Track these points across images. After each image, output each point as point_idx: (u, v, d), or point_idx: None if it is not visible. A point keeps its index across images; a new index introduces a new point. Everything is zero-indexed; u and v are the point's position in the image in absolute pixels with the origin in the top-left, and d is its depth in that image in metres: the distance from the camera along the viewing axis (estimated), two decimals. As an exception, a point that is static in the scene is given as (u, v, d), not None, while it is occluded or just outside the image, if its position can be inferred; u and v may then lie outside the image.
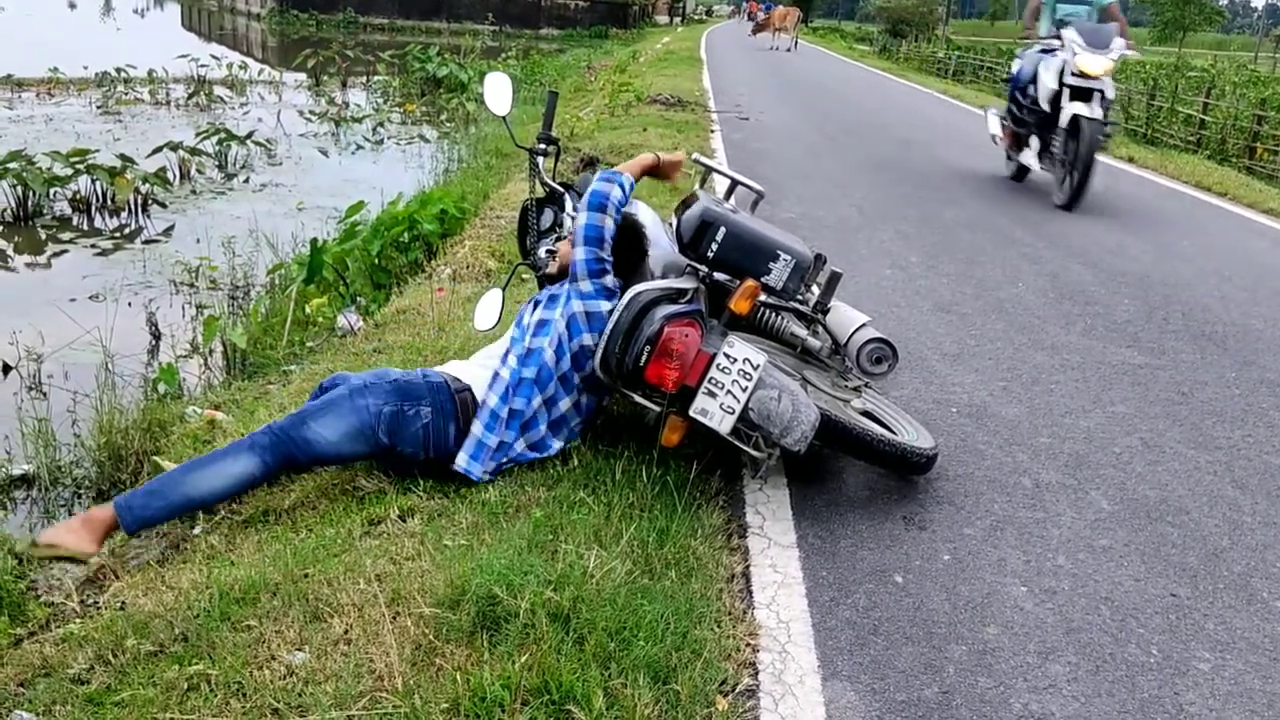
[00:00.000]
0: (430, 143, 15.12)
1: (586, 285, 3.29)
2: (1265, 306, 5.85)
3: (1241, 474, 3.61)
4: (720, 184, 4.08)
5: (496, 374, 3.25)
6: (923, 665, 2.46)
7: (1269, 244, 7.92)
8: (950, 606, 2.72)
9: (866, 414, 3.54)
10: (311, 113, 17.35)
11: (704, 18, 73.34)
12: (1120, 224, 8.07)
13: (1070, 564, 2.96)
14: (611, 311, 3.17)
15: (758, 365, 2.99)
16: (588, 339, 3.24)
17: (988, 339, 4.95)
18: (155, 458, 3.98)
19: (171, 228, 9.28)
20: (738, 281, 3.28)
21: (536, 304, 3.42)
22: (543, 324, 3.31)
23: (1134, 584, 2.87)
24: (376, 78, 23.35)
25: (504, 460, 3.24)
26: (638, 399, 3.18)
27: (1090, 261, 6.66)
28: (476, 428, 3.19)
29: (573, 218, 3.61)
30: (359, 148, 14.65)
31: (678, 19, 68.78)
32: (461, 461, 3.17)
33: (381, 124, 16.38)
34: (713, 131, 12.15)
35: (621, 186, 3.39)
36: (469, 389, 3.23)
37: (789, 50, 34.61)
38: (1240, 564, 3.01)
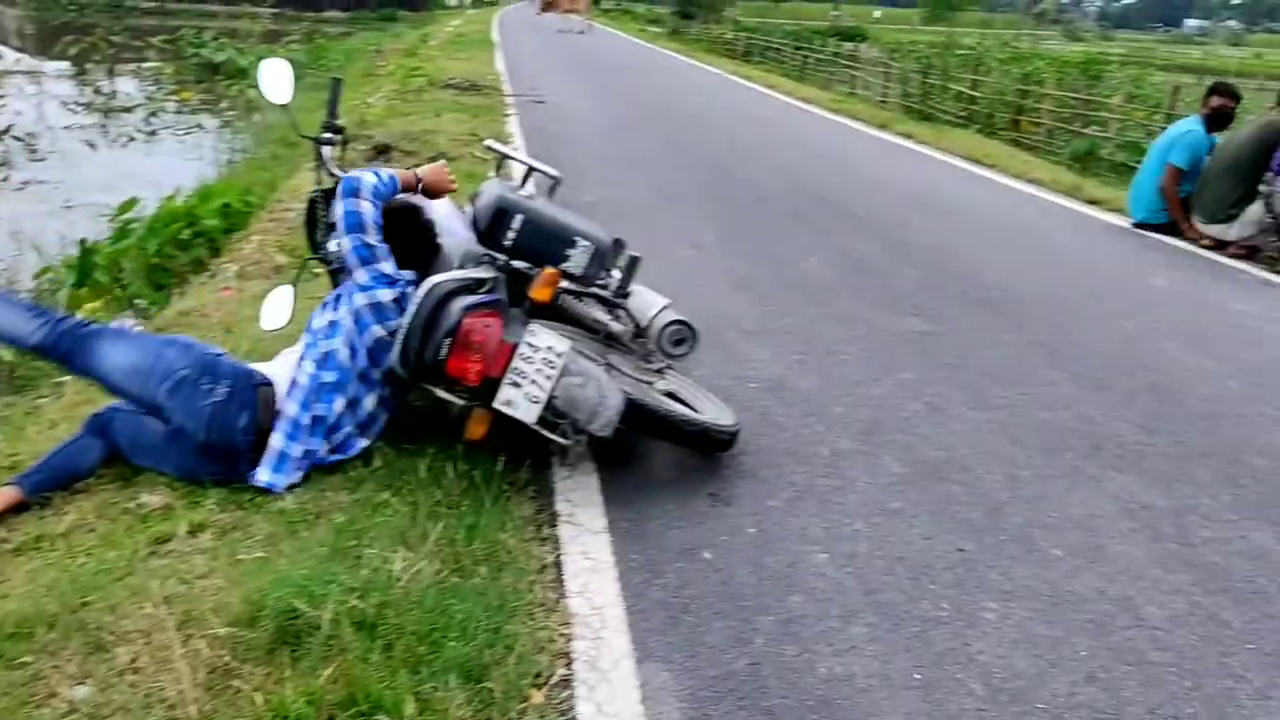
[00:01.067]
0: (210, 132, 14.37)
1: (363, 275, 3.18)
2: (1033, 271, 6.27)
3: (1017, 431, 3.86)
4: (517, 171, 4.04)
5: (294, 381, 3.12)
6: (732, 638, 2.52)
7: (1036, 212, 8.49)
8: (757, 578, 2.79)
9: (670, 395, 3.58)
10: (76, 103, 16.20)
11: (495, 0, 72.53)
12: (902, 197, 8.48)
13: (866, 528, 3.09)
14: (405, 305, 3.08)
15: (561, 353, 2.98)
16: (379, 330, 3.14)
17: (784, 314, 5.10)
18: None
19: (-79, 232, 8.46)
20: (538, 269, 3.25)
21: (325, 306, 3.29)
22: (332, 325, 3.20)
23: (924, 542, 3.02)
24: (147, 64, 22.00)
25: (308, 467, 3.12)
26: (440, 393, 3.11)
27: (876, 234, 6.97)
28: (277, 440, 3.05)
29: None
30: (131, 139, 13.79)
31: (468, 1, 67.76)
32: (264, 477, 3.03)
33: (155, 114, 15.47)
34: (509, 115, 12.03)
35: (376, 174, 3.28)
36: (272, 385, 3.10)
37: (581, 32, 34.69)
38: (1019, 516, 3.21)
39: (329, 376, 3.13)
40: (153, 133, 14.27)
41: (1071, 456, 3.65)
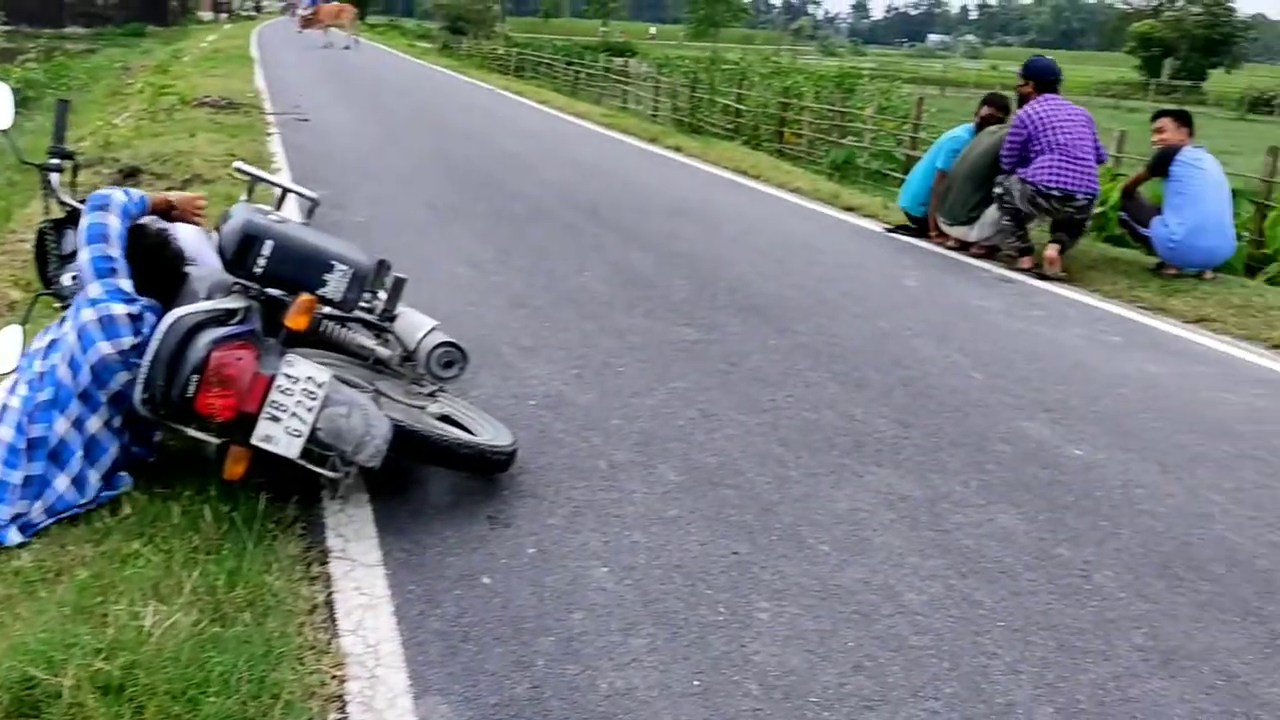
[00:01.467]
0: (-67, 158, 13.10)
1: (96, 289, 2.97)
2: (797, 277, 6.54)
3: (785, 432, 4.00)
4: (274, 194, 3.88)
5: (5, 406, 2.87)
6: (513, 663, 2.48)
7: (799, 219, 8.87)
8: (538, 599, 2.77)
9: (444, 418, 3.51)
10: None
11: (254, 14, 69.64)
12: (673, 209, 8.68)
13: (645, 538, 3.12)
14: (142, 327, 2.89)
15: (322, 383, 2.86)
16: (106, 347, 2.92)
17: (561, 329, 5.11)
18: None
19: None
20: (293, 296, 3.11)
21: (45, 331, 3.06)
22: (52, 343, 2.98)
23: (700, 548, 3.08)
24: None
25: (38, 504, 2.85)
26: (192, 433, 2.93)
27: (648, 246, 7.10)
28: None
29: None
30: None
31: (224, 15, 64.81)
32: None
33: None
34: (270, 135, 11.56)
35: (126, 193, 3.17)
36: None
37: (348, 48, 33.79)
38: (789, 515, 3.33)
39: (45, 395, 2.89)
40: None
41: (836, 454, 3.81)
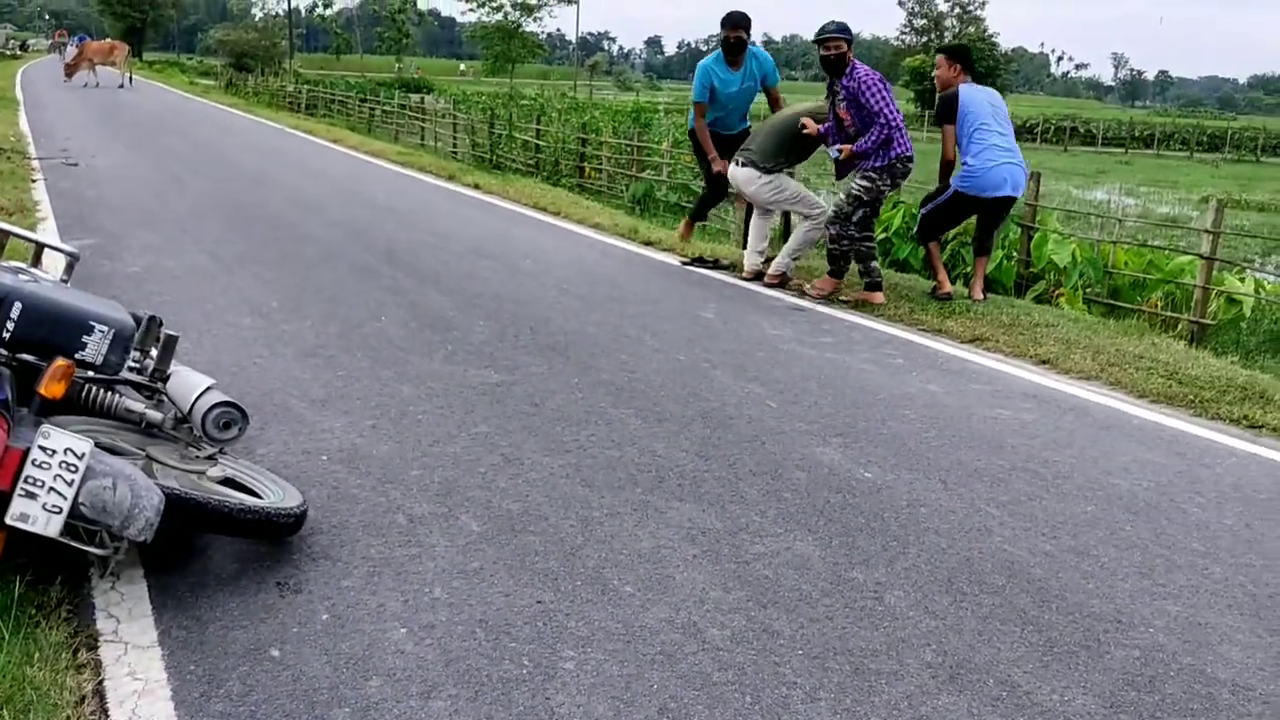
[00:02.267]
0: None
1: None
2: (599, 313, 6.57)
3: (588, 472, 3.98)
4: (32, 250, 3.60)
5: None
6: (306, 741, 2.35)
7: (598, 255, 8.94)
8: (331, 669, 2.64)
9: (227, 481, 3.32)
10: None
11: (19, 53, 65.18)
12: (473, 248, 8.59)
13: (446, 594, 3.02)
14: None
15: (82, 454, 2.65)
16: None
17: (355, 378, 4.94)
18: None
19: None
20: (48, 361, 2.88)
21: None
22: None
23: (504, 600, 3.01)
24: None
25: None
26: (-66, 517, 2.66)
27: (446, 288, 6.99)
28: None
29: None
30: None
31: (-14, 53, 60.44)
32: None
33: None
34: (35, 181, 10.80)
35: None
36: None
37: (121, 86, 32.14)
38: (593, 558, 3.30)
39: None
40: None
41: (639, 491, 3.82)
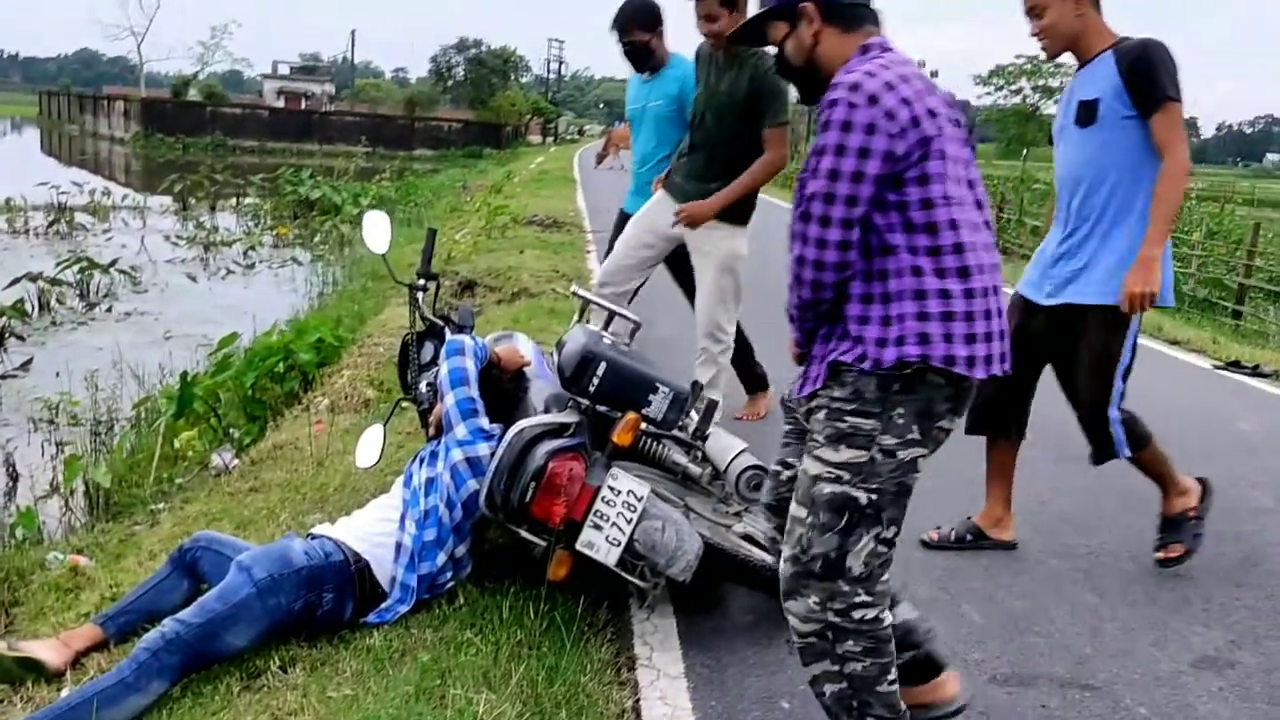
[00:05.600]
0: (304, 265, 15.02)
1: (462, 430, 3.32)
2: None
3: (1099, 580, 3.79)
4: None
5: (399, 544, 3.25)
6: (812, 794, 2.50)
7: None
8: (836, 731, 2.77)
9: (747, 537, 3.61)
10: (179, 237, 17.07)
11: (576, 137, 75.26)
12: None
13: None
14: (494, 450, 3.20)
15: (642, 497, 3.05)
16: (473, 484, 3.26)
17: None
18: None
19: (29, 361, 8.95)
20: (619, 413, 3.35)
21: (421, 460, 3.43)
22: (430, 482, 3.34)
23: (1007, 697, 2.97)
24: (247, 200, 23.14)
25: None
26: (524, 534, 3.19)
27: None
28: (388, 601, 3.20)
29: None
30: (229, 272, 14.45)
31: (550, 139, 70.33)
32: (371, 618, 3.16)
33: (253, 247, 16.21)
34: (589, 252, 12.38)
35: (472, 338, 3.57)
36: (367, 565, 3.20)
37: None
38: (1104, 672, 3.14)
39: (430, 535, 3.25)
40: (250, 266, 14.94)
41: (1157, 610, 3.58)
